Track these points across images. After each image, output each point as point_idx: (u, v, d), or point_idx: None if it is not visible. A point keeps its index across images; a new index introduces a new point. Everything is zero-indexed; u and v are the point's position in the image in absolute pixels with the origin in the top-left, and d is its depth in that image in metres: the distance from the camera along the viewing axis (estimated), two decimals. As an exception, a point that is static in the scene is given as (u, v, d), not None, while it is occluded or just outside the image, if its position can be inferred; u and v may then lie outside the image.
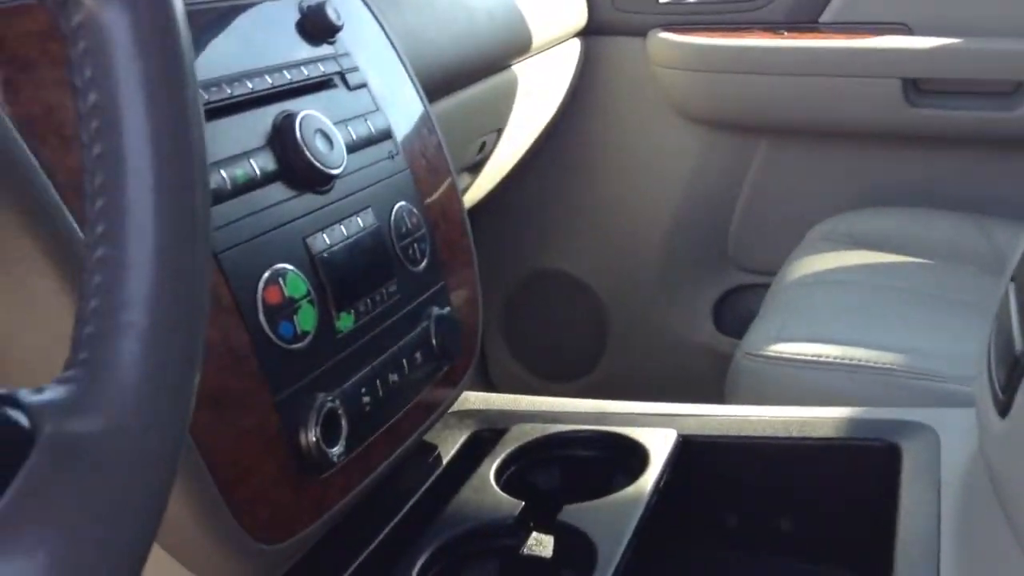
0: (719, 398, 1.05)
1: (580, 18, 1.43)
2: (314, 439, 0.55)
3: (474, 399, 0.80)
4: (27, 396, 0.26)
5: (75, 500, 0.25)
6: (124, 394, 0.27)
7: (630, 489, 0.64)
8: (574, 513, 0.62)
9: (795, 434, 0.70)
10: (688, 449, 0.70)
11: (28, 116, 0.46)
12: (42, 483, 0.25)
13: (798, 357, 0.91)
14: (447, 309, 0.70)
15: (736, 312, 1.52)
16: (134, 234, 0.28)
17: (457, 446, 0.74)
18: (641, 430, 0.70)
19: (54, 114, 0.47)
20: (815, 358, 0.90)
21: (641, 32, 1.46)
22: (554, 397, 0.81)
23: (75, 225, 0.45)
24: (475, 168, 1.24)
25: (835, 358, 0.90)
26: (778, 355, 0.92)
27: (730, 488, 0.72)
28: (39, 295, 0.45)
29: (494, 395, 0.81)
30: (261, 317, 0.54)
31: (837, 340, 0.92)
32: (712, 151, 1.48)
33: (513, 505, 0.63)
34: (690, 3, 1.47)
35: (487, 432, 0.75)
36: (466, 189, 1.22)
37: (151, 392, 0.27)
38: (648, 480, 0.64)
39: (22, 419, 0.25)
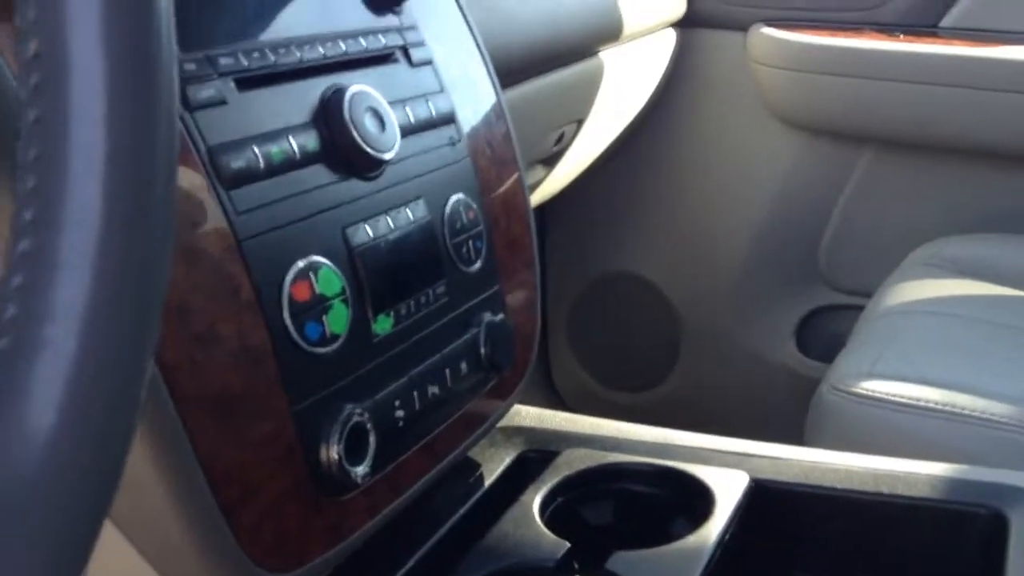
0: (797, 426, 0.96)
1: (678, 8, 1.34)
2: (336, 456, 0.49)
3: (525, 414, 0.73)
4: None
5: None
6: (33, 436, 0.20)
7: (691, 538, 0.56)
8: (625, 562, 0.54)
9: (884, 490, 0.61)
10: (760, 495, 0.61)
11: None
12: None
13: (891, 398, 0.81)
14: (500, 316, 0.64)
15: (822, 333, 1.41)
16: (69, 225, 0.22)
17: (502, 467, 0.67)
18: (708, 469, 0.62)
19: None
20: (911, 401, 0.81)
21: (742, 26, 1.37)
22: (620, 418, 0.74)
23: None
24: (551, 160, 1.17)
25: (934, 403, 0.80)
26: (869, 393, 0.82)
27: (807, 545, 0.63)
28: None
29: (547, 412, 0.74)
30: (286, 315, 0.48)
31: (938, 382, 0.82)
32: (809, 158, 1.38)
33: (557, 545, 0.56)
34: (798, -2, 1.37)
35: (535, 453, 0.69)
36: (539, 183, 1.15)
37: (69, 436, 0.21)
38: (713, 529, 0.57)
39: None
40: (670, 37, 1.37)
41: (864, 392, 0.83)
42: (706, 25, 1.39)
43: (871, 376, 0.84)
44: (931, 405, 0.80)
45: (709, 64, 1.40)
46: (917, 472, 0.62)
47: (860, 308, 1.16)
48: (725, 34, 1.38)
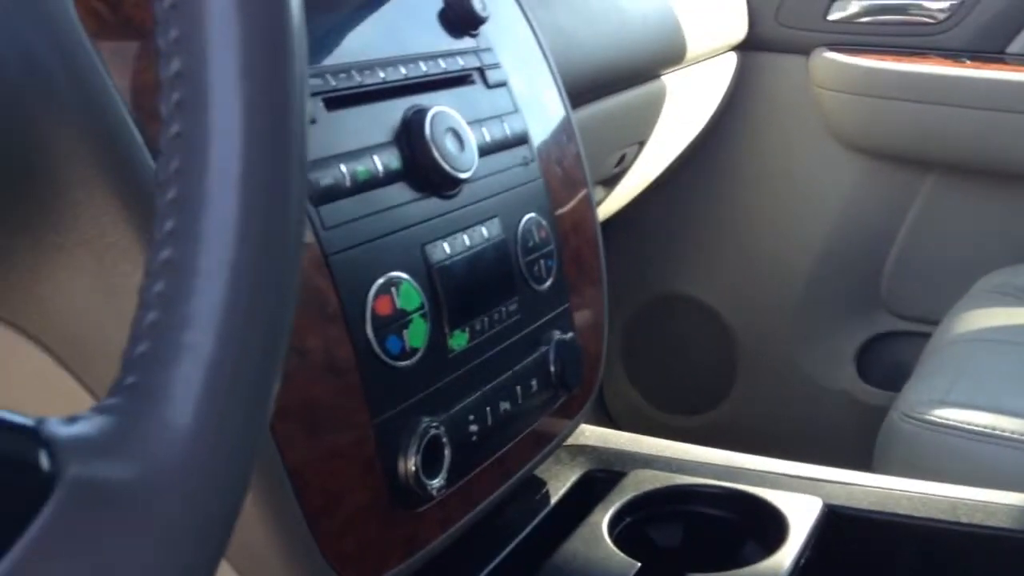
0: (857, 453, 0.94)
1: (739, 31, 1.35)
2: (413, 468, 0.50)
3: (590, 433, 0.73)
4: (54, 428, 0.21)
5: (90, 564, 0.20)
6: (172, 435, 0.21)
7: (765, 564, 0.56)
8: (697, 584, 0.54)
9: (963, 519, 0.60)
10: (834, 522, 0.61)
11: (139, 87, 0.42)
12: (55, 539, 0.20)
13: (966, 426, 0.80)
14: (570, 334, 0.64)
15: (883, 360, 1.39)
16: (209, 235, 0.23)
17: (568, 485, 0.67)
18: (780, 493, 0.62)
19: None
20: (986, 429, 0.79)
21: (804, 50, 1.36)
22: (676, 441, 0.73)
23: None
24: (611, 181, 1.18)
25: (1010, 432, 0.78)
26: (943, 421, 0.81)
27: (881, 573, 0.62)
28: (128, 287, 0.41)
29: (612, 432, 0.74)
30: (368, 329, 0.49)
31: (1012, 411, 0.81)
32: (872, 182, 1.36)
33: (627, 565, 0.56)
34: (861, 23, 1.36)
35: (602, 473, 0.69)
36: (599, 203, 1.16)
37: (206, 437, 0.22)
38: (787, 555, 0.56)
39: (43, 458, 0.20)
40: (731, 60, 1.37)
41: (937, 420, 0.81)
42: (767, 49, 1.38)
43: (944, 404, 0.83)
44: (1006, 434, 0.79)
45: (770, 87, 1.40)
46: (996, 501, 0.61)
47: (922, 335, 1.14)
48: (786, 57, 1.38)
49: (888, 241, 1.37)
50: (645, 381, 1.56)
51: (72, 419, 0.21)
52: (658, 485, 0.64)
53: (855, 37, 1.35)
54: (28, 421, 0.20)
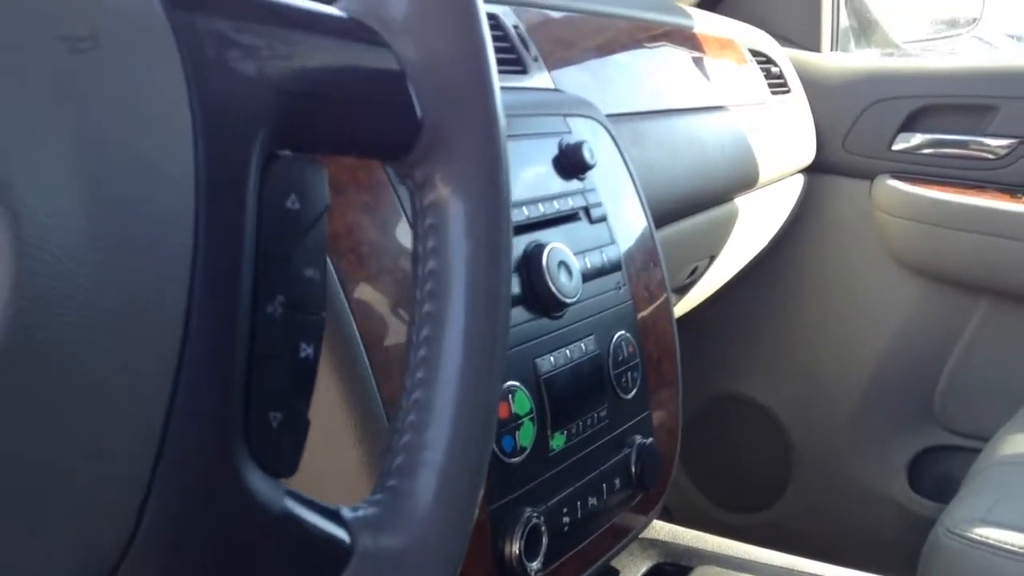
0: (904, 561, 1.00)
1: (808, 155, 1.45)
2: (517, 552, 0.59)
3: (660, 528, 0.81)
4: (347, 513, 0.31)
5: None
6: (419, 519, 0.32)
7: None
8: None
9: (997, 634, 0.67)
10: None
11: (332, 233, 0.53)
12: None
13: (1007, 546, 0.86)
14: (650, 439, 0.73)
15: (934, 472, 1.44)
16: (446, 384, 0.33)
17: (638, 575, 0.75)
18: (832, 598, 0.69)
19: (353, 233, 0.54)
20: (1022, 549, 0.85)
21: (867, 176, 1.46)
22: (732, 537, 0.81)
23: (356, 331, 0.52)
24: (682, 289, 1.27)
25: (1047, 555, 0.84)
26: (984, 540, 0.87)
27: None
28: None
29: (679, 528, 0.82)
30: (490, 430, 0.59)
31: (1051, 534, 0.86)
32: (928, 303, 1.44)
33: (692, 651, 0.64)
34: (924, 154, 1.45)
35: (670, 566, 0.76)
36: (671, 310, 1.25)
37: (440, 520, 0.32)
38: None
39: (343, 534, 0.30)
40: (798, 181, 1.47)
41: (978, 538, 0.88)
42: (833, 172, 1.48)
43: (986, 522, 0.89)
44: (1042, 556, 0.84)
45: (834, 208, 1.49)
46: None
47: (973, 451, 1.20)
48: (851, 182, 1.47)
49: (942, 359, 1.44)
50: (701, 477, 1.63)
51: (355, 507, 0.31)
52: (722, 581, 0.71)
53: (917, 167, 1.44)
54: (332, 507, 0.30)
